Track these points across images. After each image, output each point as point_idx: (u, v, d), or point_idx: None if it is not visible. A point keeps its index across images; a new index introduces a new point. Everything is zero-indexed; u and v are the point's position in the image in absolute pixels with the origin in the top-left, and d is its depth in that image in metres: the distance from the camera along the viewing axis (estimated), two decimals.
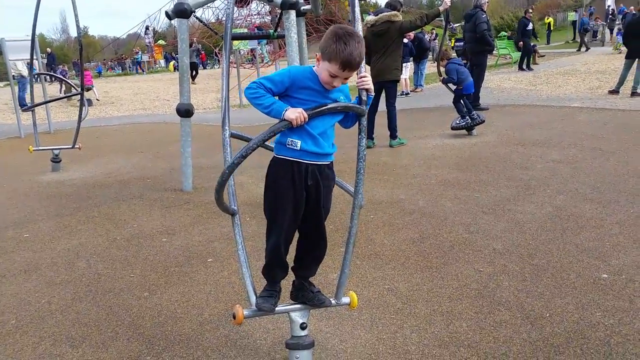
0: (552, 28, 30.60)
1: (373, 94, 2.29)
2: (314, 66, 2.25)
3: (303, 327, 2.39)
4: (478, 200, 4.75)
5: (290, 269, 2.48)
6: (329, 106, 2.18)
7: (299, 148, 2.21)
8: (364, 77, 2.24)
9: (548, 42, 29.51)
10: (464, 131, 7.85)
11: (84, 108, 7.42)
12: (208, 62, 38.90)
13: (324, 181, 2.30)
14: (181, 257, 3.92)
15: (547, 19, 31.89)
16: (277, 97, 2.22)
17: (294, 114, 2.11)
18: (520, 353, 2.48)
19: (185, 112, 5.58)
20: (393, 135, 7.43)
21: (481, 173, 5.67)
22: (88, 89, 15.82)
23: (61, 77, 13.32)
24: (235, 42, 18.03)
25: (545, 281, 3.16)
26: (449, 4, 6.98)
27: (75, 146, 7.28)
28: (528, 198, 4.72)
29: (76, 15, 6.26)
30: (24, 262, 4.01)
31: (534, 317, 2.77)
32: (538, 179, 5.28)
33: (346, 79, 2.19)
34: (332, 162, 2.34)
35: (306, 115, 2.12)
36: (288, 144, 2.22)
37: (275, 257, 2.37)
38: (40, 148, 7.29)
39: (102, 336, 2.86)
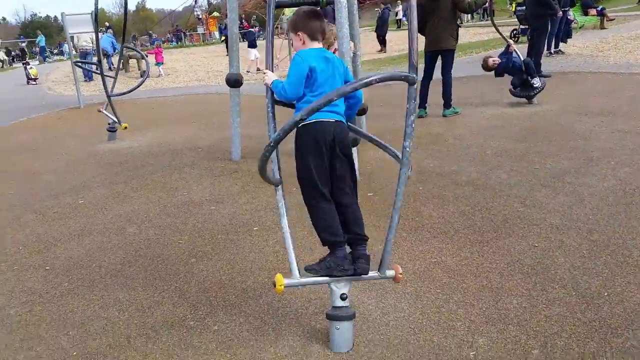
0: None
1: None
2: None
3: (343, 297, 2.33)
4: (536, 172, 4.51)
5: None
6: None
7: None
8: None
9: None
10: (524, 100, 7.46)
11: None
12: (261, 33, 38.76)
13: None
14: (228, 225, 3.94)
15: None
16: None
17: None
18: (573, 333, 2.33)
19: (234, 81, 5.55)
20: (447, 105, 7.16)
21: (541, 144, 5.37)
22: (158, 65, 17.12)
23: (138, 50, 13.78)
24: (287, 11, 17.84)
25: (604, 258, 2.96)
26: None
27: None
28: (590, 170, 4.43)
29: None
30: (78, 227, 4.15)
31: (590, 296, 2.61)
32: (602, 150, 4.95)
33: None
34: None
35: None
36: None
37: None
38: (105, 113, 7.50)
39: (148, 300, 2.92)
